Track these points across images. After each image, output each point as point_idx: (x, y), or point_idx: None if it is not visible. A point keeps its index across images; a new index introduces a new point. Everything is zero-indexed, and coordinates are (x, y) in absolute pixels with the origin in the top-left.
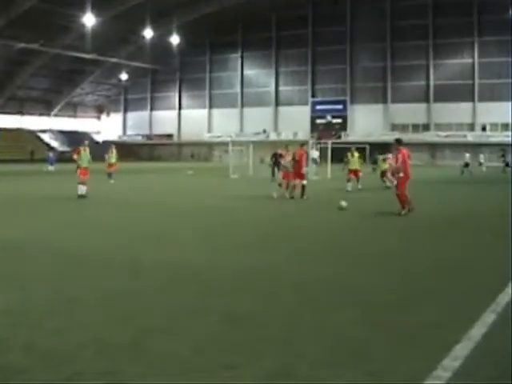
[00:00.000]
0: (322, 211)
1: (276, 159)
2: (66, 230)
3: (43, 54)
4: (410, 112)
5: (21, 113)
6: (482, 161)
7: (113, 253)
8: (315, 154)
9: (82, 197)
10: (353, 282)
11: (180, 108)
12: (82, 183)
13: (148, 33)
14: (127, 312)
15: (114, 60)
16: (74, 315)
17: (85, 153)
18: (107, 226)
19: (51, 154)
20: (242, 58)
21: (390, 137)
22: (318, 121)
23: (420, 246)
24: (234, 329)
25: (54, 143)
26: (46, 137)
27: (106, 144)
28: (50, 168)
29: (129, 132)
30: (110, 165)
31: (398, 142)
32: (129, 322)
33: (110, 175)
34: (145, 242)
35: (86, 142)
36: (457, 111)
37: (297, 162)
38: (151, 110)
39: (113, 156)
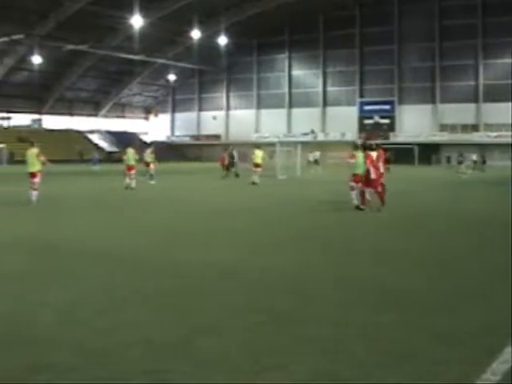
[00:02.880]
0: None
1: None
2: (112, 229)
3: (91, 56)
4: (459, 112)
5: (70, 114)
6: None
7: (159, 253)
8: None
9: (128, 188)
10: (393, 282)
11: (228, 108)
12: (129, 177)
13: (195, 34)
14: (175, 311)
15: (161, 61)
16: (123, 315)
17: (131, 153)
18: (151, 226)
19: (96, 155)
20: (289, 58)
21: (439, 137)
22: (366, 121)
23: (463, 247)
24: (280, 329)
25: (103, 144)
26: (94, 137)
27: (154, 144)
28: (95, 168)
29: (177, 132)
30: (147, 164)
31: (363, 147)
32: (177, 321)
33: (151, 176)
34: (191, 242)
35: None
36: (507, 111)
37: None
38: (199, 110)
39: (148, 156)
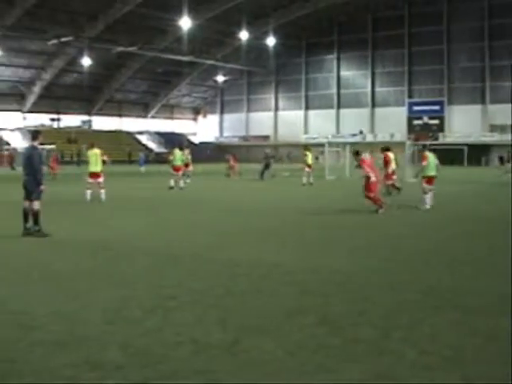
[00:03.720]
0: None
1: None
2: (162, 229)
3: (140, 57)
4: (510, 112)
5: (119, 115)
6: None
7: (207, 252)
8: None
9: (174, 188)
10: (446, 285)
11: (276, 109)
12: (176, 178)
13: (244, 35)
14: (224, 312)
15: (210, 62)
16: (172, 314)
17: (178, 154)
18: (200, 226)
19: (142, 155)
20: (338, 59)
21: (490, 138)
22: (415, 122)
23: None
24: (329, 331)
25: (152, 144)
26: (143, 138)
27: (203, 145)
28: (142, 169)
29: (225, 133)
30: (182, 166)
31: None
32: (225, 321)
33: (184, 176)
34: (240, 242)
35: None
36: None
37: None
38: (247, 111)
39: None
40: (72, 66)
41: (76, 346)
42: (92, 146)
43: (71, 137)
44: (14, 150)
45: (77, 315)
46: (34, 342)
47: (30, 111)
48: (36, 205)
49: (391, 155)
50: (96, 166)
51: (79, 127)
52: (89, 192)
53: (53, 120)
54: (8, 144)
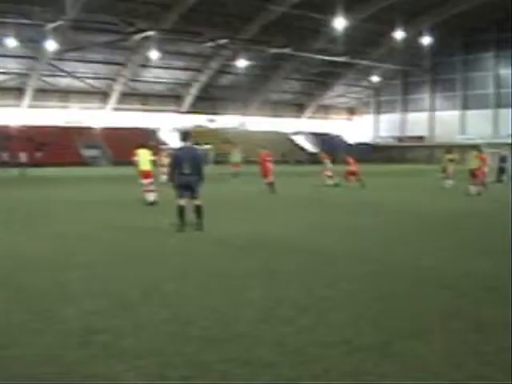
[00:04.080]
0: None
1: None
2: (317, 229)
3: (295, 58)
4: None
5: (274, 116)
6: None
7: (362, 254)
8: None
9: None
10: None
11: (432, 109)
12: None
13: (399, 34)
14: (377, 314)
15: (364, 62)
16: (325, 314)
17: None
18: (357, 229)
19: (293, 156)
20: (496, 57)
21: None
22: None
23: None
24: (482, 338)
25: (307, 145)
26: (298, 139)
27: (358, 146)
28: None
29: (381, 134)
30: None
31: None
32: (378, 323)
33: (234, 175)
34: (395, 245)
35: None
36: None
37: None
38: (403, 111)
39: (236, 155)
40: (228, 67)
41: (228, 342)
42: (141, 146)
43: (227, 138)
44: (171, 149)
45: (230, 312)
46: (188, 336)
47: (187, 112)
48: (199, 201)
49: None
50: (146, 164)
51: (234, 128)
52: (152, 195)
53: (209, 121)
54: (165, 144)
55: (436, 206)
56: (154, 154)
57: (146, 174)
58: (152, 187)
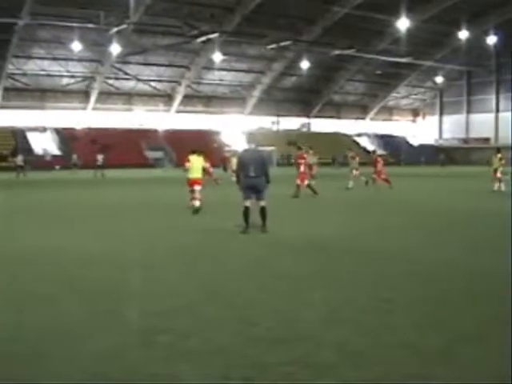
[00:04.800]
0: None
1: None
2: (376, 231)
3: (358, 60)
4: None
5: (337, 117)
6: None
7: (421, 253)
8: None
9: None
10: None
11: (497, 111)
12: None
13: (463, 34)
14: (440, 316)
15: (428, 63)
16: (387, 317)
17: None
18: (412, 228)
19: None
20: None
21: None
22: None
23: None
24: None
25: (370, 147)
26: (362, 140)
27: (422, 148)
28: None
29: (445, 135)
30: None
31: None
32: (438, 327)
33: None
34: (452, 246)
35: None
36: None
37: None
38: (467, 113)
39: (311, 158)
40: (291, 69)
41: (292, 343)
42: (194, 152)
43: (291, 139)
44: (235, 152)
45: (293, 314)
46: (252, 337)
47: (251, 114)
48: (264, 203)
49: None
50: (197, 172)
51: (298, 130)
52: (198, 202)
53: (273, 123)
54: (229, 146)
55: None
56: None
57: (195, 182)
58: (198, 195)
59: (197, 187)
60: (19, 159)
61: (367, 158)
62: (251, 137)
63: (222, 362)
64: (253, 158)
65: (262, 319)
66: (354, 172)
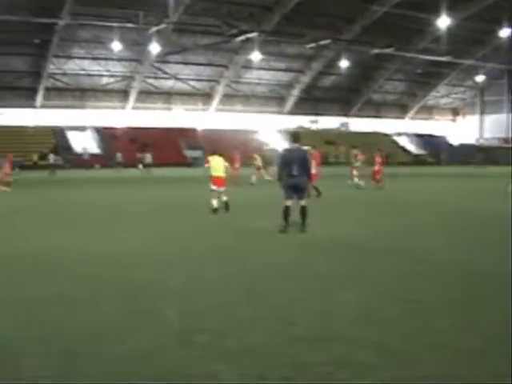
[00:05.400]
0: None
1: None
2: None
3: (397, 59)
4: None
5: (376, 116)
6: None
7: (452, 254)
8: None
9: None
10: None
11: None
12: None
13: (504, 32)
14: (481, 318)
15: (468, 62)
16: (421, 316)
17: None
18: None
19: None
20: None
21: None
22: None
23: None
24: None
25: (410, 146)
26: (401, 140)
27: (462, 147)
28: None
29: (486, 135)
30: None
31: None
32: (476, 327)
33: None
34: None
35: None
36: None
37: None
38: (509, 112)
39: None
40: (330, 68)
41: (331, 343)
42: (213, 154)
43: (330, 139)
44: (273, 150)
45: (332, 313)
46: (290, 337)
47: (289, 113)
48: (305, 202)
49: None
50: (219, 171)
51: (337, 129)
52: (215, 201)
53: (312, 122)
54: (267, 145)
55: None
56: (227, 160)
57: (218, 180)
58: (221, 194)
59: (221, 188)
60: (51, 158)
61: (408, 157)
62: (296, 136)
63: (259, 361)
64: (295, 157)
65: (300, 319)
66: (354, 172)
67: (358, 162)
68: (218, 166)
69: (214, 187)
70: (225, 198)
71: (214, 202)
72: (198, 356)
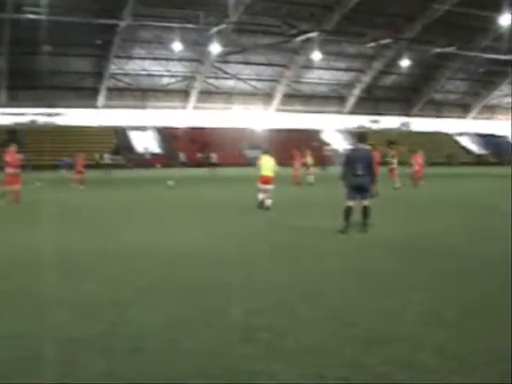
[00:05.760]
0: None
1: None
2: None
3: (459, 57)
4: None
5: (438, 116)
6: None
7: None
8: None
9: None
10: None
11: None
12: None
13: None
14: None
15: None
16: (490, 321)
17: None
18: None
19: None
20: None
21: None
22: None
23: None
24: None
25: (472, 146)
26: (463, 140)
27: None
28: None
29: None
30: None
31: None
32: None
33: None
34: None
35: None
36: None
37: None
38: None
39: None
40: (390, 67)
41: (390, 344)
42: (266, 152)
43: (390, 139)
44: (334, 150)
45: (392, 314)
46: (349, 337)
47: (350, 113)
48: (368, 202)
49: None
50: (268, 170)
51: (398, 129)
52: (262, 195)
53: (372, 122)
54: (328, 145)
55: None
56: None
57: (266, 180)
58: (269, 194)
59: (269, 186)
60: (106, 157)
61: (470, 158)
62: (363, 136)
63: (318, 361)
64: (360, 157)
65: (359, 319)
66: (395, 172)
67: (395, 162)
68: (266, 165)
69: (260, 186)
70: (269, 202)
71: (260, 197)
72: (260, 354)
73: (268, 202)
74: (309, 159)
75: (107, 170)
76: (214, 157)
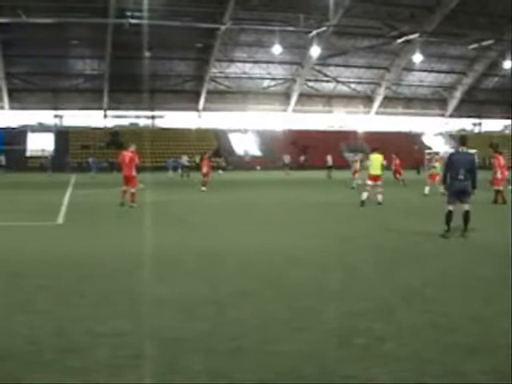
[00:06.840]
0: None
1: None
2: None
3: None
4: None
5: None
6: None
7: None
8: None
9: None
10: None
11: None
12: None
13: None
14: None
15: None
16: None
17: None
18: None
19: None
20: None
21: None
22: None
23: None
24: None
25: None
26: None
27: None
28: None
29: None
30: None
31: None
32: None
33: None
34: None
35: None
36: None
37: None
38: None
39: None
40: (493, 69)
41: (489, 353)
42: (375, 150)
43: (493, 142)
44: (436, 153)
45: (492, 322)
46: (449, 344)
47: (452, 116)
48: (468, 207)
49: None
50: (377, 169)
51: (501, 132)
52: (365, 194)
53: (474, 125)
54: (429, 148)
55: None
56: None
57: (375, 178)
58: (379, 189)
59: (378, 183)
60: (184, 159)
61: None
62: (465, 139)
63: (416, 367)
64: (464, 161)
65: (459, 326)
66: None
67: (437, 167)
68: (375, 163)
69: (369, 182)
70: (380, 197)
71: (364, 195)
72: (357, 358)
73: (379, 197)
74: (357, 163)
75: (186, 173)
76: (329, 159)
